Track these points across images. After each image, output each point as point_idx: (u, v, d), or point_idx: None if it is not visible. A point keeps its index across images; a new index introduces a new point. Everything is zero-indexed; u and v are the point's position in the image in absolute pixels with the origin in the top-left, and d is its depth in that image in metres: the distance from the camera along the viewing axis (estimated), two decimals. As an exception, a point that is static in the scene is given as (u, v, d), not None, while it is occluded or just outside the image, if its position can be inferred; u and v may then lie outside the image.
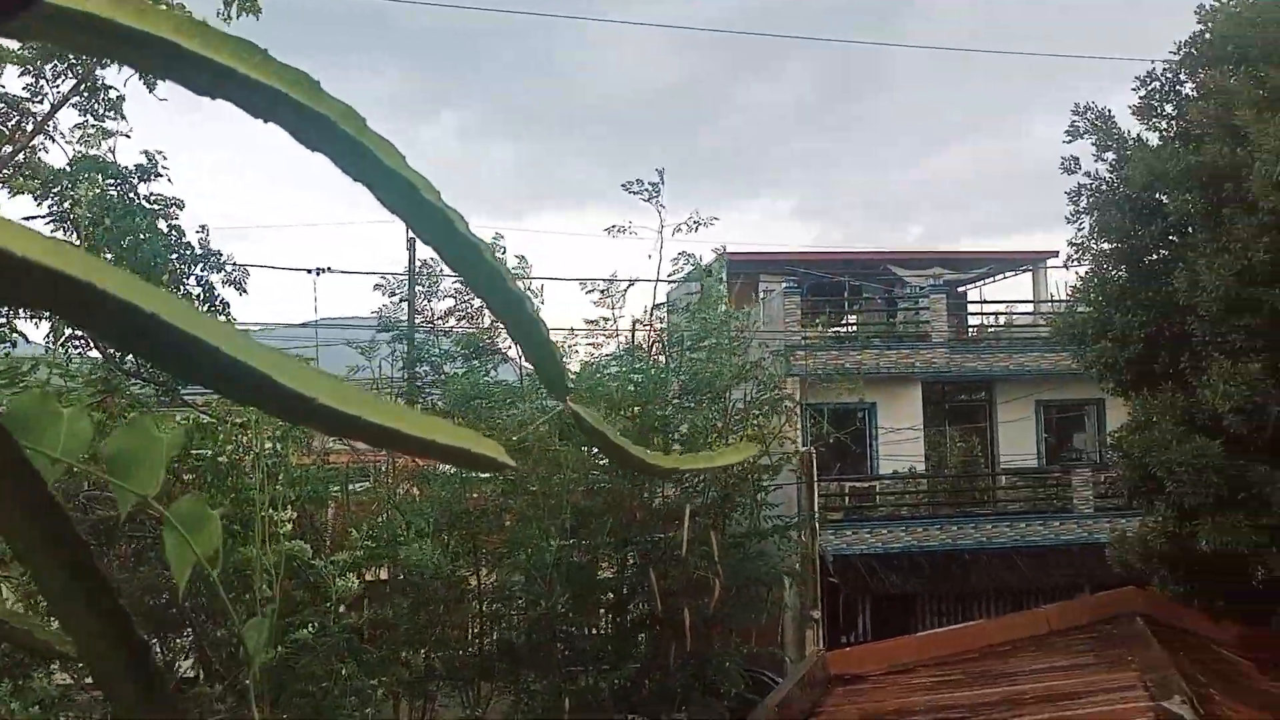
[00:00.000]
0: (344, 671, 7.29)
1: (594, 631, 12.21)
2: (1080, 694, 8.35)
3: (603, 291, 13.57)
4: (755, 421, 12.49)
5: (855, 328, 23.68)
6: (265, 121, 0.64)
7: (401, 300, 11.76)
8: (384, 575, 10.50)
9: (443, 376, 12.55)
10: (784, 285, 20.84)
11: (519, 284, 0.82)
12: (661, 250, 14.01)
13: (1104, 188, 10.77)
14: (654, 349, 14.64)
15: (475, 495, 11.73)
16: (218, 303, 9.34)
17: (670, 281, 14.94)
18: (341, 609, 7.81)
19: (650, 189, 13.37)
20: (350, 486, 12.16)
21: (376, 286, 12.11)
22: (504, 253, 12.64)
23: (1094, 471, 19.73)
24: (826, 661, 10.45)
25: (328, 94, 0.64)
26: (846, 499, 21.01)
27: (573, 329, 14.43)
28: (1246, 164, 8.83)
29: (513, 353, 12.77)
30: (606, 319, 13.92)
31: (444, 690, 11.13)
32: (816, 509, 18.66)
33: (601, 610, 12.31)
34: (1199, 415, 9.22)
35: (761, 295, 22.99)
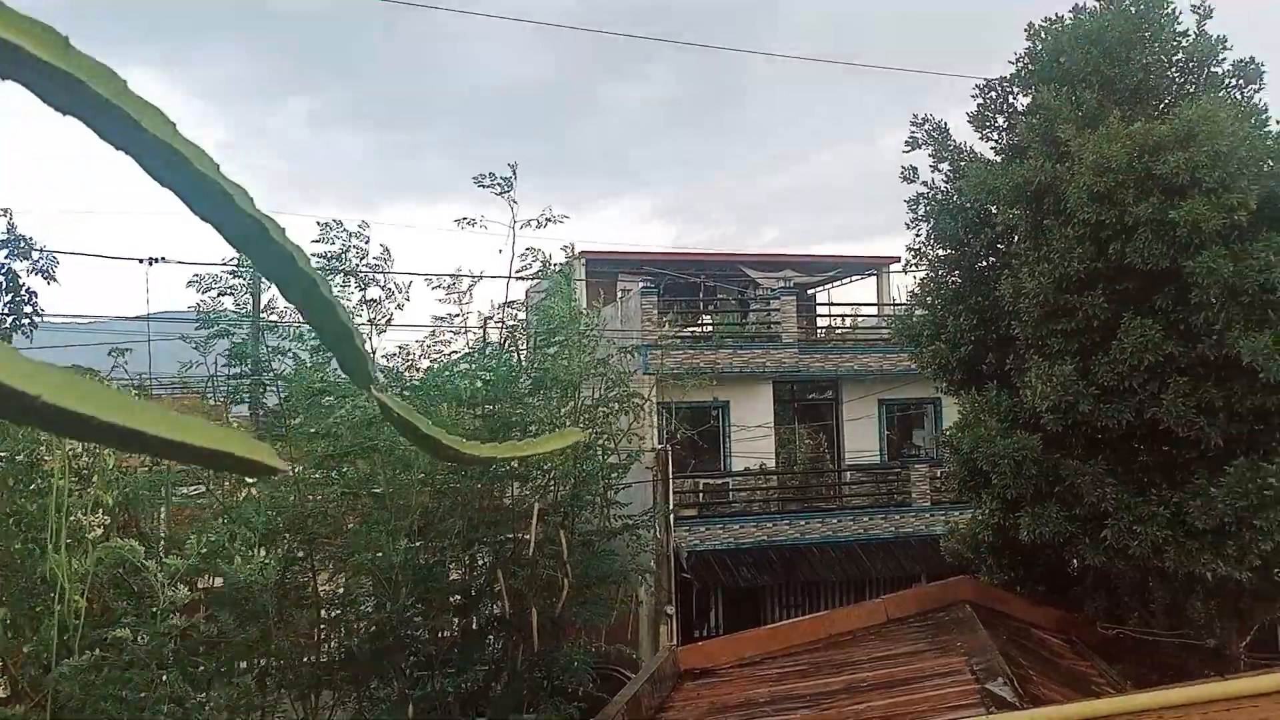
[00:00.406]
0: (165, 679, 6.85)
1: (441, 635, 11.94)
2: (914, 680, 8.68)
3: (448, 287, 13.27)
4: (604, 418, 12.49)
5: (710, 328, 24.10)
6: (3, 79, 0.57)
7: (220, 295, 10.97)
8: (219, 583, 9.98)
9: (279, 373, 11.94)
10: (641, 285, 21.00)
11: (312, 265, 0.76)
12: (513, 246, 13.85)
13: (940, 197, 11.31)
14: (506, 346, 14.46)
15: (317, 496, 11.29)
16: (23, 292, 8.62)
17: (523, 278, 14.78)
18: (173, 619, 7.36)
19: (502, 183, 13.19)
20: (184, 490, 11.50)
21: (190, 283, 11.15)
22: (367, 243, 12.14)
23: (931, 467, 20.73)
24: (677, 657, 10.56)
25: (79, 51, 0.58)
26: (701, 496, 21.37)
27: (430, 327, 14.07)
28: (1066, 178, 9.44)
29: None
30: (455, 315, 13.62)
31: (279, 703, 10.63)
32: (671, 506, 18.92)
33: (449, 613, 12.05)
34: (1021, 413, 9.79)
35: (619, 294, 23.11)
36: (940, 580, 12.22)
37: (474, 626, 12.07)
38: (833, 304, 28.22)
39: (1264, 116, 9.63)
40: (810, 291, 28.60)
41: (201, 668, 8.46)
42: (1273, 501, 8.23)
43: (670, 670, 10.00)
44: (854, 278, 27.95)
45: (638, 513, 14.40)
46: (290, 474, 10.38)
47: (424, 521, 10.86)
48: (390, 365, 13.33)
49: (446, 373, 12.39)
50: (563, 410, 12.23)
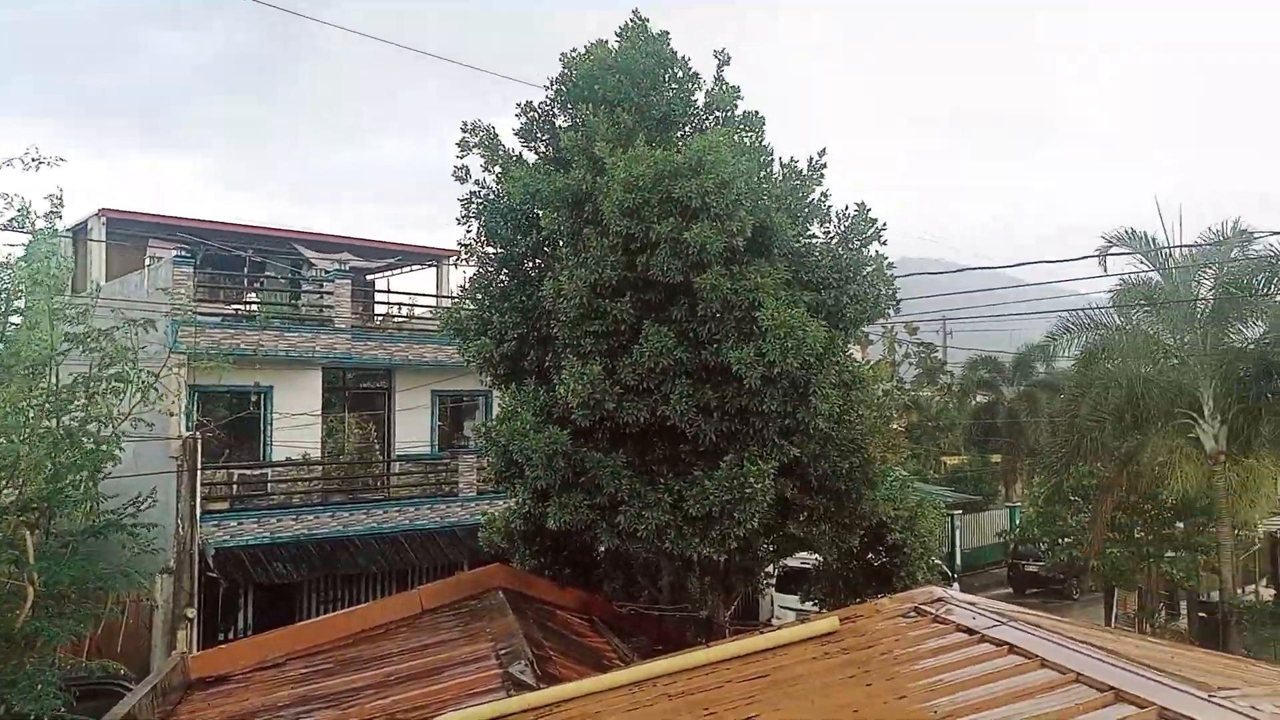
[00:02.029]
0: None
1: None
2: (444, 669, 8.74)
3: None
4: (94, 400, 10.87)
5: (256, 306, 22.48)
6: None
7: None
8: None
9: None
10: (175, 254, 18.94)
11: None
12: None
13: (491, 197, 11.61)
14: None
15: None
16: None
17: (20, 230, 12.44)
18: None
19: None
20: None
21: None
22: None
23: (478, 458, 21.27)
24: (187, 664, 9.65)
25: None
26: (236, 487, 19.85)
27: None
28: (603, 190, 10.16)
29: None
30: None
31: None
32: (198, 499, 17.33)
33: None
34: (555, 409, 10.37)
35: (149, 262, 20.69)
36: (477, 568, 12.52)
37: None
38: (391, 292, 27.82)
39: (767, 158, 11.18)
40: (369, 277, 27.92)
41: None
42: (750, 498, 9.58)
43: (179, 680, 9.11)
44: (414, 267, 27.80)
45: (159, 507, 12.92)
46: None
47: None
48: None
49: None
50: (31, 390, 10.43)
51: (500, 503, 14.17)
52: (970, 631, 5.42)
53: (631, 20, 11.39)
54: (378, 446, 23.23)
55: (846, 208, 11.18)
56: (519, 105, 11.79)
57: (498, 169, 11.57)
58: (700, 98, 11.52)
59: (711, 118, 11.58)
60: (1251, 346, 19.58)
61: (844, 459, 10.75)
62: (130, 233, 22.10)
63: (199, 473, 17.15)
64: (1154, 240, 20.40)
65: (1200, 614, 21.70)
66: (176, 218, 23.16)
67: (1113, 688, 4.16)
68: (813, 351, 9.43)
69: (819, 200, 11.22)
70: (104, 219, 21.41)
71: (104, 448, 10.31)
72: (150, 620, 17.54)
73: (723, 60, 11.55)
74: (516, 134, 11.83)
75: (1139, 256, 20.68)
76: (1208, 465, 19.73)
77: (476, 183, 11.68)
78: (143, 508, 11.14)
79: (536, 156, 11.78)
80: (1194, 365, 19.82)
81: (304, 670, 9.64)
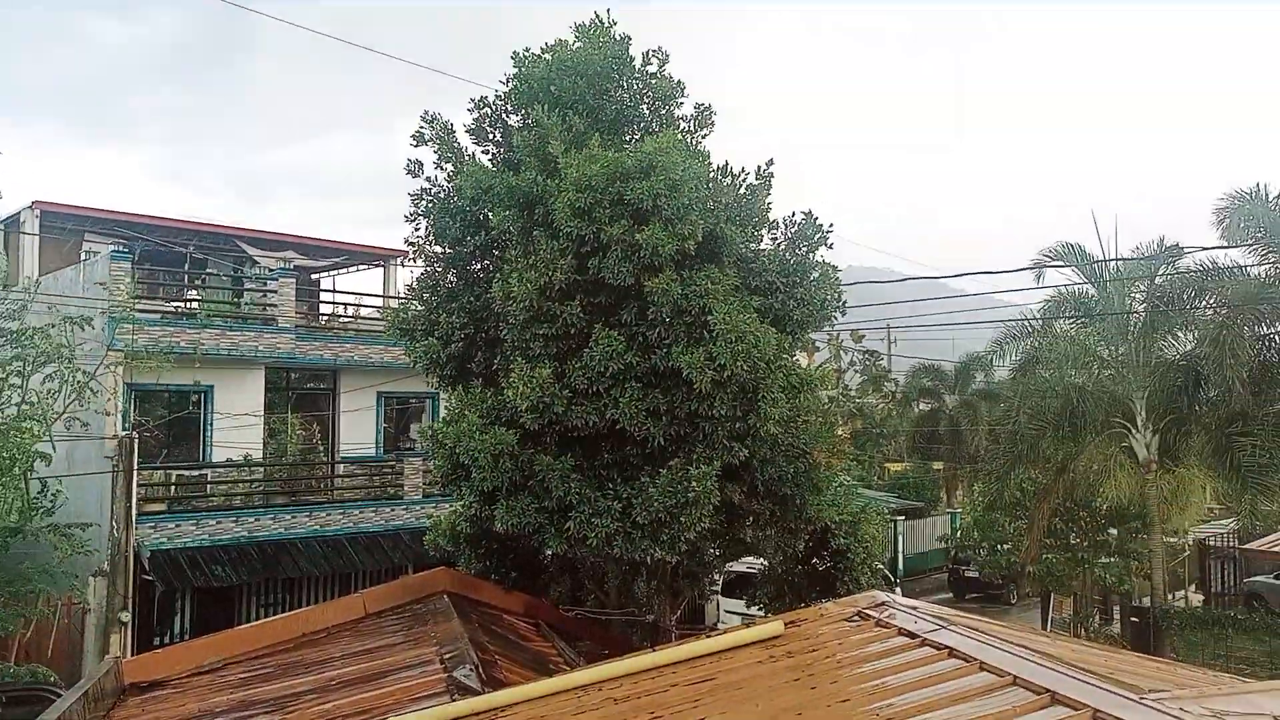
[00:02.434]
0: None
1: None
2: (387, 673, 8.64)
3: None
4: (30, 399, 10.57)
5: (197, 304, 22.01)
6: None
7: None
8: None
9: None
10: (111, 249, 18.46)
11: None
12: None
13: (441, 195, 11.53)
14: None
15: None
16: None
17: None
18: None
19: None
20: None
21: None
22: None
23: (424, 460, 21.05)
24: (121, 669, 9.41)
25: None
26: (174, 489, 19.40)
27: None
28: (554, 192, 10.14)
29: None
30: None
31: None
32: (134, 500, 16.90)
33: None
34: (502, 411, 10.31)
35: (84, 256, 20.14)
36: (422, 571, 12.40)
37: None
38: (337, 291, 27.44)
39: (707, 160, 11.24)
40: (315, 276, 27.51)
41: None
42: (694, 502, 9.62)
43: (112, 685, 8.88)
44: (360, 266, 27.46)
45: (94, 507, 12.58)
46: None
47: None
48: None
49: None
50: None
51: (447, 506, 14.04)
52: (912, 635, 5.52)
53: (594, 20, 11.38)
54: (321, 448, 22.87)
55: (794, 214, 11.31)
56: (472, 100, 11.71)
57: (450, 166, 11.49)
58: (650, 97, 11.57)
59: (656, 118, 11.60)
60: (1181, 359, 20.18)
61: (790, 464, 10.85)
62: (65, 226, 21.49)
63: (135, 473, 16.71)
64: (1088, 254, 20.94)
65: (1133, 618, 22.29)
66: (114, 211, 22.56)
67: (1049, 690, 4.27)
68: (763, 356, 9.51)
69: (767, 207, 11.33)
70: (37, 212, 20.79)
71: (34, 446, 10.01)
72: (83, 624, 17.06)
73: (662, 59, 11.59)
74: (468, 130, 11.76)
75: (1074, 270, 21.21)
76: (1140, 474, 20.29)
77: (428, 179, 11.59)
78: (84, 532, 10.73)
79: (487, 156, 11.73)
80: (1127, 376, 20.37)
81: (243, 675, 9.47)
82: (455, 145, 11.60)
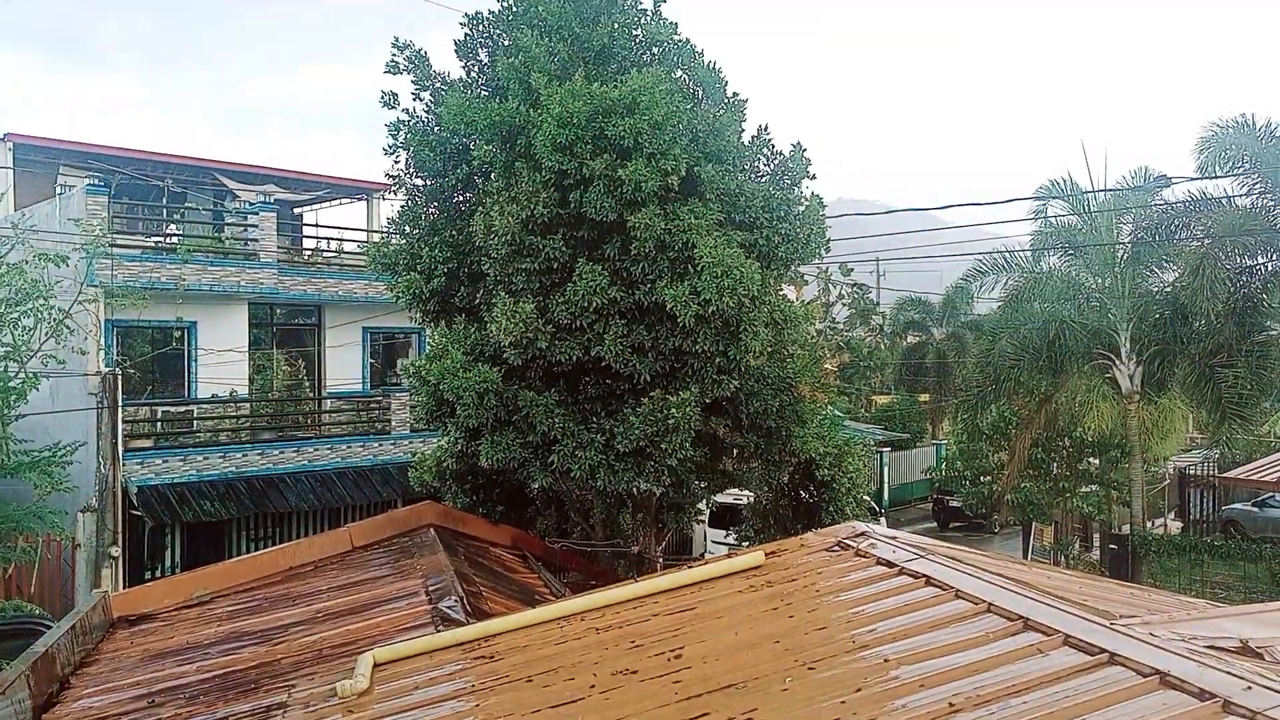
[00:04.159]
0: None
1: None
2: (373, 605, 8.72)
3: None
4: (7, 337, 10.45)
5: (176, 239, 21.74)
6: None
7: None
8: None
9: None
10: (87, 182, 18.13)
11: None
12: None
13: (420, 126, 11.29)
14: None
15: None
16: None
17: None
18: None
19: None
20: None
21: None
22: None
23: (411, 396, 21.04)
24: (109, 602, 9.48)
25: None
26: (160, 425, 19.39)
27: None
28: (537, 124, 9.94)
29: None
30: None
31: None
32: (119, 436, 16.89)
33: None
34: (486, 347, 10.26)
35: (60, 191, 19.79)
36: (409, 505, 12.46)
37: None
38: (320, 225, 27.12)
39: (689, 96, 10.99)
40: (297, 211, 27.16)
41: None
42: (674, 429, 9.64)
43: (100, 619, 8.94)
44: (343, 200, 27.10)
45: (78, 445, 12.56)
46: None
47: None
48: None
49: None
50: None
51: (434, 441, 14.07)
52: (890, 565, 5.57)
53: None
54: (308, 384, 22.84)
55: (778, 150, 11.12)
56: (466, 14, 11.34)
57: (428, 95, 11.23)
58: (639, 33, 11.29)
59: (648, 53, 11.36)
60: (1168, 290, 20.22)
61: (775, 397, 10.87)
62: (39, 159, 21.07)
63: (120, 409, 16.68)
64: (1077, 185, 20.83)
65: (1112, 546, 22.71)
66: (89, 144, 22.11)
67: (1022, 617, 4.33)
68: (748, 291, 9.45)
69: (752, 140, 11.14)
70: (10, 144, 20.36)
71: (13, 384, 9.91)
72: (72, 560, 17.18)
73: None
74: (456, 48, 11.40)
75: (1063, 202, 21.13)
76: (1123, 404, 20.48)
77: (405, 111, 11.34)
78: (60, 456, 10.71)
79: (472, 78, 11.42)
80: (1112, 308, 20.41)
81: (231, 608, 9.55)
82: (431, 73, 11.32)
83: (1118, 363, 20.46)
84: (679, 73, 11.04)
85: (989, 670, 3.83)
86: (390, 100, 11.17)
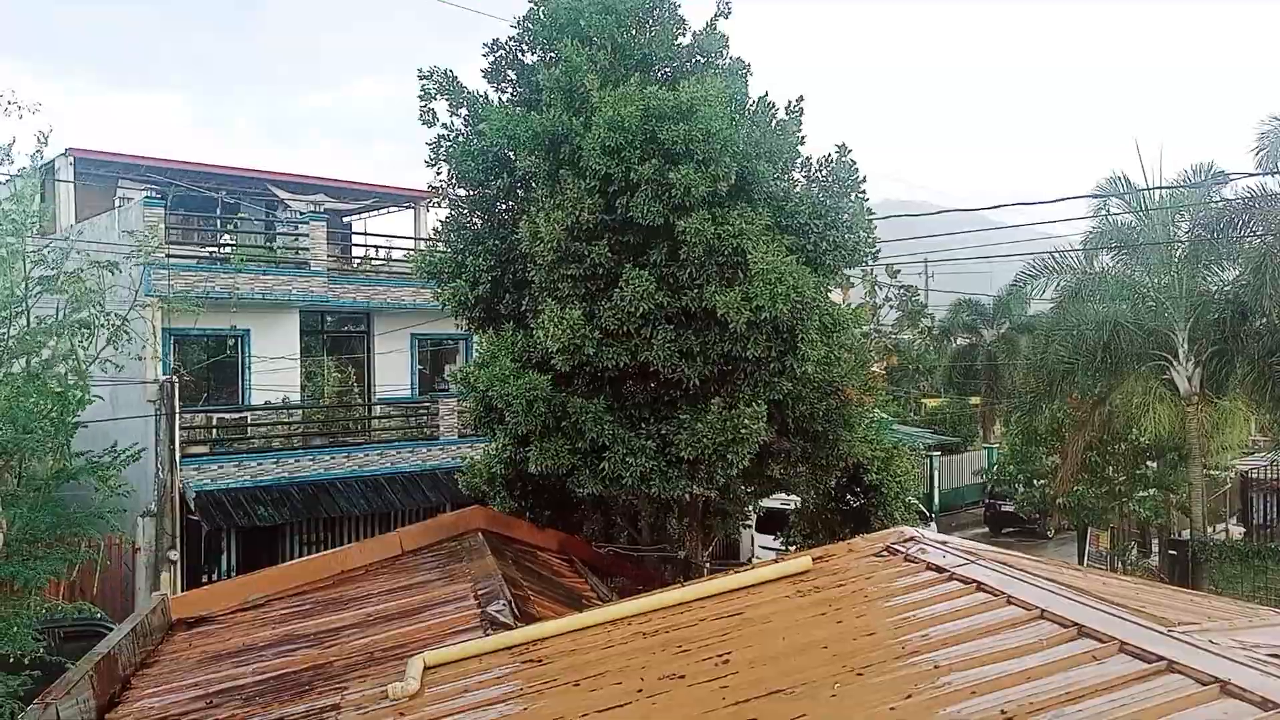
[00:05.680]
0: None
1: None
2: (423, 609, 8.82)
3: None
4: (61, 344, 10.69)
5: (230, 249, 22.21)
6: None
7: None
8: None
9: None
10: (145, 195, 18.60)
11: None
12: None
13: (460, 139, 11.41)
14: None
15: None
16: None
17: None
18: None
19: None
20: None
21: None
22: None
23: (460, 402, 21.24)
24: (168, 605, 9.70)
25: None
26: (215, 431, 19.81)
27: None
28: (582, 131, 10.00)
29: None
30: None
31: None
32: (177, 442, 17.28)
33: None
34: (533, 353, 10.32)
35: (118, 203, 20.33)
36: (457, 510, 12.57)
37: None
38: (368, 234, 27.51)
39: (752, 105, 11.01)
40: (346, 219, 27.58)
41: None
42: (744, 439, 9.62)
43: (159, 621, 9.16)
44: (392, 208, 27.47)
45: (138, 449, 12.80)
46: None
47: None
48: None
49: None
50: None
51: (482, 446, 14.20)
52: (940, 570, 5.50)
53: None
54: (357, 390, 23.16)
55: (828, 155, 11.07)
56: (485, 44, 11.53)
57: (464, 111, 11.36)
58: (684, 40, 11.31)
59: (692, 61, 11.36)
60: (1226, 289, 19.71)
61: (821, 401, 10.80)
62: (99, 173, 21.66)
63: (177, 415, 17.08)
64: (1132, 184, 20.40)
65: (1170, 551, 22.17)
66: (146, 158, 22.69)
67: (1076, 623, 4.25)
68: (802, 297, 9.40)
69: (799, 141, 11.10)
70: (72, 159, 20.95)
71: (73, 392, 10.18)
72: (133, 563, 17.60)
73: (722, 12, 11.33)
74: (484, 74, 11.57)
75: (1118, 200, 20.71)
76: (1181, 406, 19.99)
77: (444, 126, 11.47)
78: (119, 460, 10.96)
79: (504, 97, 11.56)
80: (1169, 308, 19.96)
81: (285, 611, 9.72)
82: (465, 92, 11.45)
83: (1175, 363, 19.99)
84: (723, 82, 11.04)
85: (1042, 677, 3.76)
86: (429, 117, 11.30)
